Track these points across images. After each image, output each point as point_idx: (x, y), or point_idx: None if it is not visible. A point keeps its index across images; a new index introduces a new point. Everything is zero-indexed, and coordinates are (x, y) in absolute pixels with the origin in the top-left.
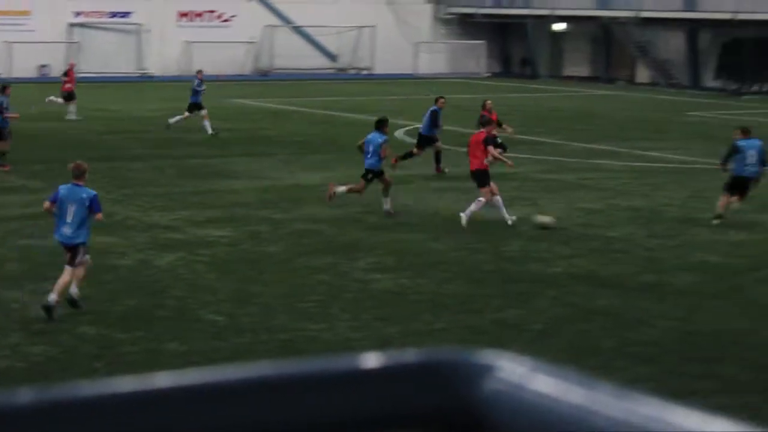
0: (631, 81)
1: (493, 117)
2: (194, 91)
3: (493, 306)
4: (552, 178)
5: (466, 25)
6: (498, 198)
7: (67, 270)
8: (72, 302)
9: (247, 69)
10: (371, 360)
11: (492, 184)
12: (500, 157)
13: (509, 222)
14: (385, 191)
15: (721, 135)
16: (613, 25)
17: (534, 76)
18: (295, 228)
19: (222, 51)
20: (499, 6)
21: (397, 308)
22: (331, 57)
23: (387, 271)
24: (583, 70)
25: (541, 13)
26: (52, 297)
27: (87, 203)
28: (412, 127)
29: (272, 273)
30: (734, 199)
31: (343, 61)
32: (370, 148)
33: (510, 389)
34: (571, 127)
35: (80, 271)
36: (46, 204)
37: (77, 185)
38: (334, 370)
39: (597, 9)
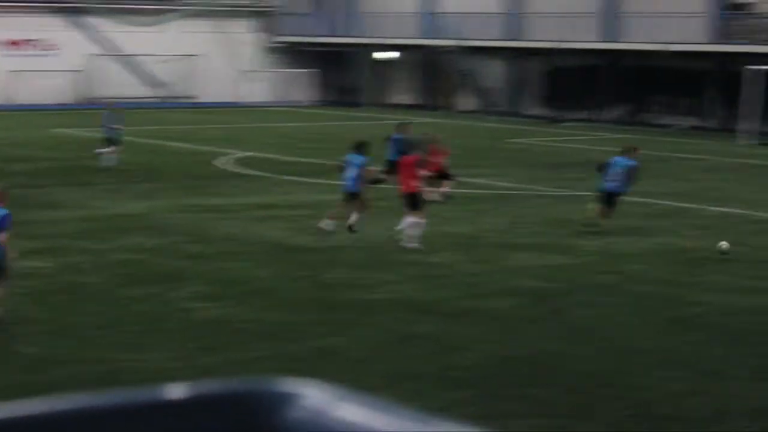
0: (455, 109)
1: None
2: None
3: (315, 333)
4: (375, 205)
5: (292, 54)
6: (413, 220)
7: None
8: None
9: (72, 98)
10: (176, 391)
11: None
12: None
13: (410, 246)
14: (358, 211)
15: (541, 161)
16: (437, 53)
17: (359, 105)
18: (116, 258)
19: (47, 80)
20: (325, 35)
21: (219, 337)
22: (158, 85)
23: (209, 300)
24: (409, 98)
25: (366, 42)
26: None
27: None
28: (240, 155)
29: (92, 303)
30: (600, 210)
31: (170, 90)
32: (352, 170)
33: (314, 417)
34: None
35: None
36: None
37: None
38: (141, 402)
39: (422, 38)
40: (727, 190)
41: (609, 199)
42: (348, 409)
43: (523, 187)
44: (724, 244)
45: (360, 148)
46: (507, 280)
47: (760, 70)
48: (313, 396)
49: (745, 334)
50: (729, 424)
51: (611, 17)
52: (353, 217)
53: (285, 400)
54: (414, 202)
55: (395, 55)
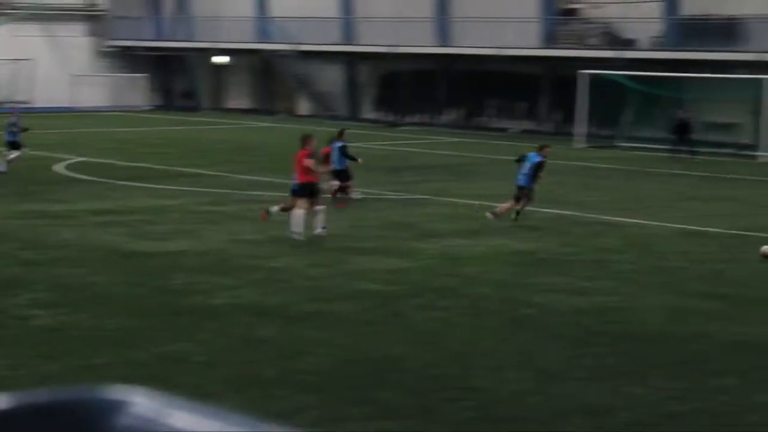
0: (292, 113)
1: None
2: (12, 129)
3: (157, 339)
4: (214, 210)
5: (127, 58)
6: (301, 212)
7: None
8: None
9: None
10: (3, 401)
11: (300, 200)
12: (317, 169)
13: (313, 234)
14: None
15: (378, 165)
16: (273, 58)
17: (196, 109)
18: None
19: None
20: (160, 39)
21: (57, 345)
22: None
23: (47, 307)
24: (245, 103)
25: (202, 46)
26: None
27: None
28: (77, 160)
29: None
30: (516, 204)
31: (1, 95)
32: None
33: (143, 425)
34: (232, 159)
35: None
36: None
37: None
38: None
39: (257, 42)
40: (561, 192)
41: (519, 192)
42: (177, 416)
43: (362, 190)
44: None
45: (305, 143)
46: (349, 284)
47: (592, 74)
48: (143, 404)
49: (580, 334)
50: (567, 424)
51: (445, 22)
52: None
53: (114, 408)
54: (311, 192)
55: (226, 59)
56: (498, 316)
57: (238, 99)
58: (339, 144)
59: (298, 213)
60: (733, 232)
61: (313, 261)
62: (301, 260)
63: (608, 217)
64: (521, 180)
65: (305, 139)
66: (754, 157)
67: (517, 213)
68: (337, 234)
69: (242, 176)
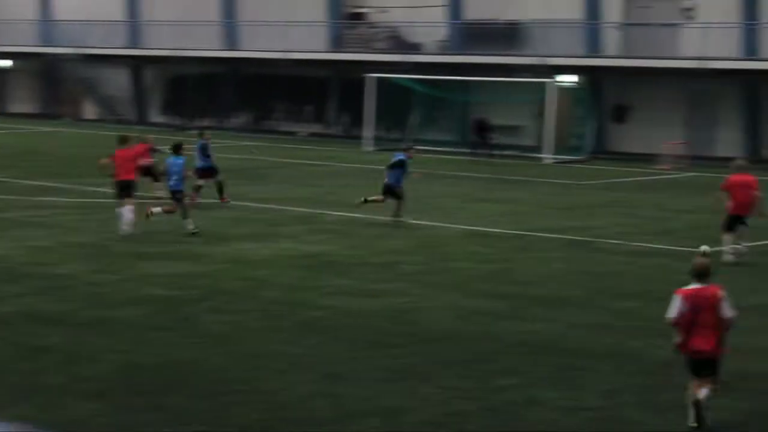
0: (77, 117)
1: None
2: None
3: None
4: (17, 219)
5: None
6: (128, 209)
7: None
8: None
9: None
10: None
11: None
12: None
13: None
14: (184, 213)
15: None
16: (57, 61)
17: None
18: None
19: None
20: None
21: None
22: None
23: None
24: (29, 107)
25: None
26: None
27: None
28: None
29: None
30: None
31: None
32: (174, 170)
33: None
34: (16, 164)
35: None
36: None
37: None
38: None
39: (40, 45)
40: (350, 195)
41: (389, 191)
42: None
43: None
44: (705, 248)
45: (177, 150)
46: (136, 290)
47: (379, 77)
48: None
49: (371, 336)
50: (358, 425)
51: (232, 25)
52: (189, 224)
53: None
54: (128, 189)
55: (9, 63)
56: (287, 319)
57: (22, 103)
58: (201, 143)
59: (125, 209)
60: (517, 232)
61: (99, 267)
62: (88, 266)
63: (398, 219)
64: (389, 178)
65: (126, 139)
66: (538, 159)
67: (396, 215)
68: (123, 239)
69: (27, 181)
